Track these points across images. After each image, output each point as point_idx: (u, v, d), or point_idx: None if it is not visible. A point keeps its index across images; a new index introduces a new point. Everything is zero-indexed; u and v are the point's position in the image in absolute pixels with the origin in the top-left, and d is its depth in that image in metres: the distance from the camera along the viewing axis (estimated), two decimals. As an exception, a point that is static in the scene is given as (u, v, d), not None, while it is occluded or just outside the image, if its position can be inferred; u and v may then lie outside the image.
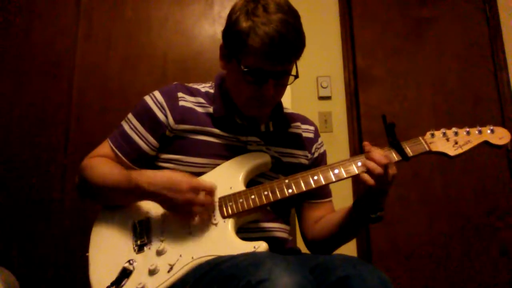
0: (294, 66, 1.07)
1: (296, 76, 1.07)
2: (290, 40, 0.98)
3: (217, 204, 1.02)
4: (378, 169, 0.95)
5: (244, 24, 0.99)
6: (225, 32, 1.06)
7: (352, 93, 2.40)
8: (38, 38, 2.15)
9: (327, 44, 2.44)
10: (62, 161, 2.03)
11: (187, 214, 1.00)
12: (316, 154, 1.24)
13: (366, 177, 0.97)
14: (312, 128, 1.28)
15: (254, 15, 0.99)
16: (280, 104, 1.21)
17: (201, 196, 0.98)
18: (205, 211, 1.00)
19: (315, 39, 2.38)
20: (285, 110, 1.24)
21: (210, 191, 1.01)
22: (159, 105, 1.12)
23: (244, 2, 1.03)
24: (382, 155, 0.97)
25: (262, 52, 0.98)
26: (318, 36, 2.41)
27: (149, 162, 1.16)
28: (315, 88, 2.38)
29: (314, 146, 1.25)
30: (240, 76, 1.04)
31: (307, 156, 1.22)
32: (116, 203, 1.09)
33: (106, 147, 1.15)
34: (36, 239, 1.94)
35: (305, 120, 1.29)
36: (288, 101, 2.17)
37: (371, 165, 0.97)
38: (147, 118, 1.12)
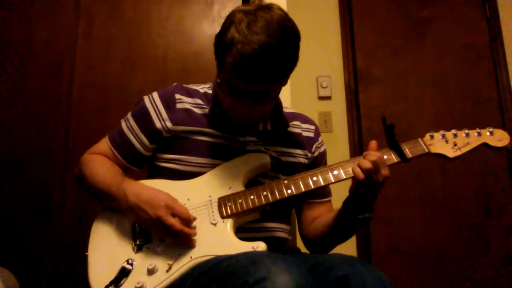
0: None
1: (274, 98, 1.06)
2: (265, 65, 0.93)
3: (216, 204, 1.03)
4: (367, 165, 0.95)
5: (228, 36, 0.95)
6: (215, 37, 1.03)
7: (352, 93, 2.40)
8: (38, 38, 2.15)
9: (327, 44, 2.44)
10: (62, 160, 2.03)
11: (154, 231, 1.00)
12: (316, 153, 1.24)
13: (356, 170, 0.97)
14: (312, 127, 1.27)
15: (238, 31, 0.94)
16: (279, 103, 1.20)
17: (172, 219, 0.96)
18: (169, 235, 0.97)
19: (315, 39, 2.39)
20: (285, 110, 1.24)
21: (185, 221, 0.98)
22: (155, 107, 1.13)
23: (239, 12, 0.98)
24: (375, 154, 0.97)
25: (235, 71, 0.95)
26: (318, 36, 2.41)
27: (149, 162, 1.17)
28: (315, 88, 2.38)
29: (315, 145, 1.24)
30: (219, 85, 1.04)
31: (307, 155, 1.22)
32: (105, 204, 1.11)
33: (104, 144, 1.17)
34: (36, 239, 1.94)
35: (306, 119, 1.29)
36: (288, 101, 2.17)
37: (361, 160, 0.98)
38: (142, 119, 1.13)
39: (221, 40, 0.98)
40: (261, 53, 0.92)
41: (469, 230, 2.25)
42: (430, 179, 2.31)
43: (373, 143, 1.02)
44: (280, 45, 0.94)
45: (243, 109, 1.02)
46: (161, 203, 0.98)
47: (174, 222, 0.96)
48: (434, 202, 2.28)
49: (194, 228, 0.99)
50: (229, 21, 0.98)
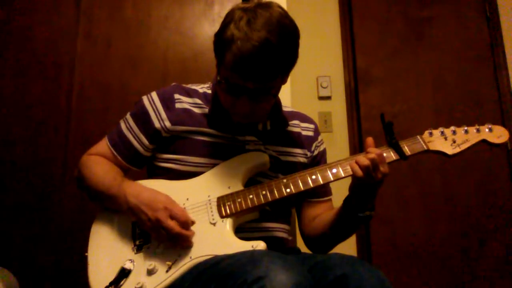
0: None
1: (274, 95, 1.06)
2: (265, 62, 0.93)
3: (215, 204, 1.03)
4: (365, 162, 0.95)
5: (227, 34, 0.95)
6: (215, 35, 1.03)
7: (352, 93, 2.40)
8: (38, 38, 2.15)
9: (327, 44, 2.44)
10: (62, 161, 2.03)
11: (153, 233, 0.99)
12: (315, 152, 1.24)
13: (355, 167, 0.97)
14: (312, 126, 1.27)
15: (238, 28, 0.94)
16: (278, 103, 1.20)
17: (171, 222, 0.96)
18: (168, 237, 0.96)
19: (315, 39, 2.39)
20: (284, 109, 1.24)
21: (183, 224, 0.97)
22: (154, 107, 1.13)
23: (238, 10, 0.98)
24: (374, 151, 0.97)
25: (234, 68, 0.95)
26: (318, 36, 2.41)
27: (148, 162, 1.17)
28: (315, 88, 2.38)
29: (314, 144, 1.24)
30: (218, 83, 1.04)
31: (307, 155, 1.21)
32: (105, 205, 1.11)
33: (104, 144, 1.17)
34: (36, 239, 1.94)
35: (305, 118, 1.28)
36: (288, 101, 2.17)
37: (359, 157, 0.98)
38: (142, 119, 1.13)
39: (221, 38, 0.98)
40: (261, 50, 0.92)
41: (469, 230, 2.25)
42: (430, 178, 2.31)
43: (369, 140, 1.02)
44: (279, 42, 0.94)
45: (243, 108, 1.02)
46: (160, 205, 0.98)
47: (173, 225, 0.96)
48: (434, 202, 2.28)
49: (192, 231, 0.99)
50: (228, 18, 0.98)
